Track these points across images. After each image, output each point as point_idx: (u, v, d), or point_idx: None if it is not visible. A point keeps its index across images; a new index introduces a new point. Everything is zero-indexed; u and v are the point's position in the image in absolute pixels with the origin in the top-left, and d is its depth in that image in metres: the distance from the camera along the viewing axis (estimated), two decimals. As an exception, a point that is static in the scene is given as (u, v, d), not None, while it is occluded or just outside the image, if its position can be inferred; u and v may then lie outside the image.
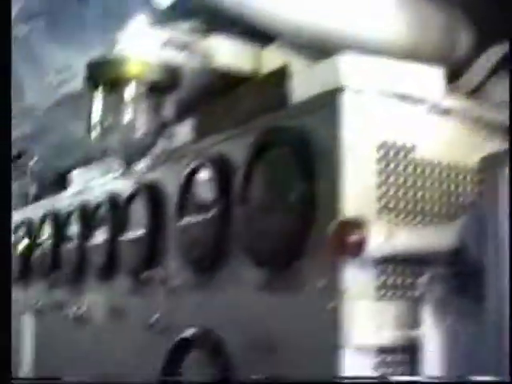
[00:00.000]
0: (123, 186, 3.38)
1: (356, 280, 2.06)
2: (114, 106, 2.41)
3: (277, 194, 2.30)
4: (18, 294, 4.95)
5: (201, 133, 2.83)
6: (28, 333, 4.69)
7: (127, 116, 2.38)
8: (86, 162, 4.06)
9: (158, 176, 3.10)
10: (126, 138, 2.38)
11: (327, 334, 2.07)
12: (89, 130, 2.45)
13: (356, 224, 1.97)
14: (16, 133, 3.87)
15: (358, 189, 2.10)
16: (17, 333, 4.85)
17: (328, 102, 2.18)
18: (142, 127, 2.42)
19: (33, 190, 5.51)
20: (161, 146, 2.56)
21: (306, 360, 2.15)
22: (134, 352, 3.18)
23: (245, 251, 2.41)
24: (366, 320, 2.05)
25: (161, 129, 2.48)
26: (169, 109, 2.49)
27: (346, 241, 1.95)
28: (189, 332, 2.50)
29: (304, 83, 2.32)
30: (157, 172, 3.11)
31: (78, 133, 3.48)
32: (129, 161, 2.43)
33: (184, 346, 2.51)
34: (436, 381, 2.05)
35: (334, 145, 2.13)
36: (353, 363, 2.05)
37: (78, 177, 4.16)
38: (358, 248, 1.97)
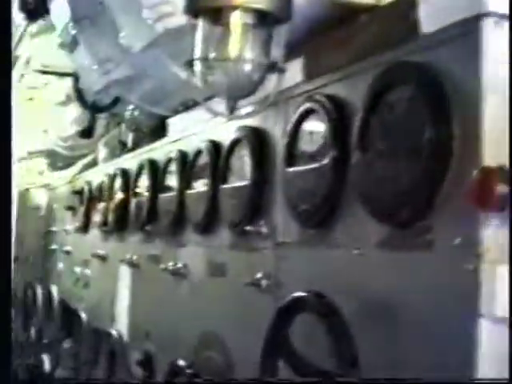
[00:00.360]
0: (225, 132, 3.14)
1: (498, 240, 1.76)
2: (218, 39, 2.14)
3: (402, 140, 2.00)
4: (113, 246, 4.84)
5: (312, 72, 2.55)
6: (123, 286, 4.56)
7: (233, 50, 2.11)
8: (185, 107, 3.84)
9: (264, 120, 2.84)
10: (232, 75, 2.11)
11: (461, 301, 1.78)
12: (191, 66, 2.18)
13: (502, 173, 1.67)
14: (112, 76, 3.67)
15: (501, 132, 1.79)
16: (113, 286, 4.75)
17: (465, 32, 1.86)
18: (249, 63, 2.14)
19: (129, 138, 5.36)
20: (269, 85, 2.27)
21: (434, 330, 1.87)
22: (234, 309, 2.97)
23: (363, 204, 2.13)
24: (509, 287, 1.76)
25: (270, 65, 2.20)
26: (279, 43, 2.20)
27: (490, 193, 1.66)
28: (299, 293, 2.24)
29: (435, 11, 2.01)
30: (262, 116, 2.85)
31: (177, 75, 3.25)
32: (234, 100, 2.16)
33: (294, 307, 2.25)
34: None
35: (472, 81, 1.82)
36: (491, 337, 1.76)
37: (176, 124, 3.94)
38: (504, 202, 1.67)
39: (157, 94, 3.73)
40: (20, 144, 7.14)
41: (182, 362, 3.22)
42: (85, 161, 7.00)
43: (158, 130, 4.62)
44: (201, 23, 2.15)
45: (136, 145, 5.24)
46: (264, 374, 2.35)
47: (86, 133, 5.25)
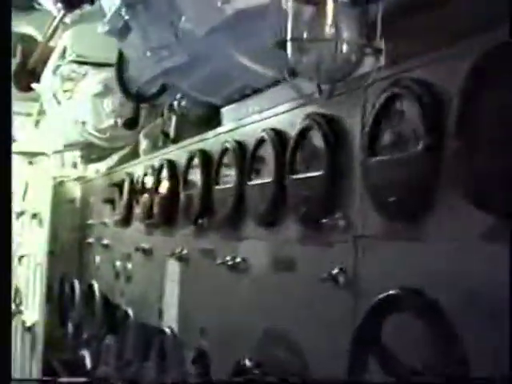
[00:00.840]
0: (291, 120, 3.00)
1: None
2: (310, 18, 2.00)
3: (508, 126, 1.85)
4: (159, 240, 4.73)
5: (394, 56, 2.40)
6: (171, 281, 4.44)
7: (328, 30, 1.96)
8: (240, 96, 3.71)
9: (336, 107, 2.69)
10: (328, 56, 1.96)
11: None
12: (281, 48, 2.04)
13: None
14: (166, 63, 3.53)
15: None
16: (159, 281, 4.63)
17: None
18: (346, 43, 2.00)
19: (172, 129, 5.24)
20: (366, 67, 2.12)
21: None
22: (305, 305, 2.82)
23: (464, 195, 1.98)
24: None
25: (366, 46, 2.05)
26: (374, 22, 2.05)
27: None
28: (392, 290, 2.10)
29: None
30: (334, 103, 2.69)
31: (238, 61, 3.12)
32: (331, 83, 2.01)
33: (385, 305, 2.11)
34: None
35: None
36: None
37: (231, 113, 3.81)
38: None
39: (212, 81, 3.58)
40: (57, 136, 7.04)
41: (248, 362, 3.07)
42: (121, 153, 6.89)
43: (206, 120, 4.50)
44: (290, 2, 2.01)
45: (179, 136, 5.12)
46: (353, 373, 2.22)
47: (131, 123, 5.11)
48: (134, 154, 6.34)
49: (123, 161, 6.62)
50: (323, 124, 2.70)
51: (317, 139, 2.73)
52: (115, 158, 6.99)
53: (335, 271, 2.56)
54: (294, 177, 2.86)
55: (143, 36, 3.50)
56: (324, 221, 2.63)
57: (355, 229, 2.52)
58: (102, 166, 7.46)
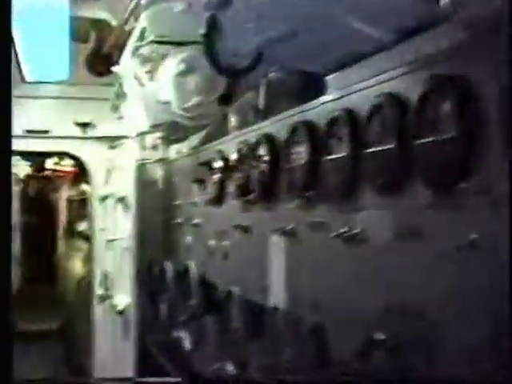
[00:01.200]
0: (408, 84, 2.88)
1: None
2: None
3: None
4: (259, 216, 4.66)
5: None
6: (277, 257, 4.35)
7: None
8: (343, 64, 3.59)
9: (463, 66, 2.55)
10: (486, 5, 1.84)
11: None
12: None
13: None
14: (270, 33, 3.42)
15: None
16: (261, 257, 4.56)
17: None
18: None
19: (265, 103, 5.14)
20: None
21: None
22: (436, 275, 2.70)
23: None
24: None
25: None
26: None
27: None
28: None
29: None
30: (458, 61, 2.56)
31: (348, 26, 3.01)
32: (482, 32, 1.88)
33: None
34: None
35: None
36: None
37: (338, 80, 3.69)
38: None
39: (317, 48, 3.46)
40: (140, 118, 7.00)
41: (380, 336, 2.96)
42: (203, 132, 6.82)
43: (301, 91, 4.39)
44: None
45: (270, 109, 5.01)
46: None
47: (226, 99, 4.99)
48: (220, 132, 6.25)
49: (208, 140, 6.55)
50: (450, 86, 2.57)
51: (444, 101, 2.61)
52: (199, 137, 6.93)
53: (473, 238, 2.44)
54: (423, 141, 2.73)
55: (246, 6, 3.39)
56: (460, 185, 2.51)
57: (495, 192, 2.39)
58: (184, 146, 7.42)
